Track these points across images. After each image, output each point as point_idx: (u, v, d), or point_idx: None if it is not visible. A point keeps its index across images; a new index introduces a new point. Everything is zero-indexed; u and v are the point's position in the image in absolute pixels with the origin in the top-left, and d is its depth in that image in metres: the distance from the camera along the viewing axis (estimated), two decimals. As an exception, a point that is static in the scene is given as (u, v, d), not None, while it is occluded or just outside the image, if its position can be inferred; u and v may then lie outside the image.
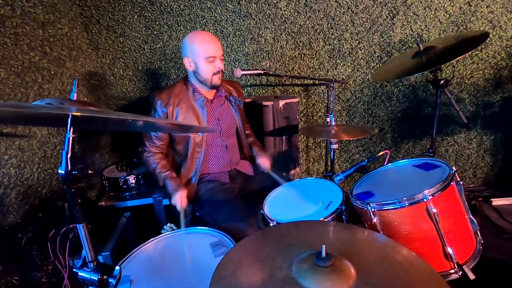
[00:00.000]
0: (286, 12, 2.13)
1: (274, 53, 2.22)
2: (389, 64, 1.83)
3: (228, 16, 2.13)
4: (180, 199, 1.45)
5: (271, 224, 1.20)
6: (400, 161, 1.40)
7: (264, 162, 1.67)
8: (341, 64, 2.26)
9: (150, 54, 2.19)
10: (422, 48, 1.53)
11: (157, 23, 2.12)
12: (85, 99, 2.02)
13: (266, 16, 2.13)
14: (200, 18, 2.13)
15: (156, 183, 1.61)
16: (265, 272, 0.70)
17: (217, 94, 1.65)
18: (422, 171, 1.27)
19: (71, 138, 0.66)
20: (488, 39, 2.12)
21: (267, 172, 1.66)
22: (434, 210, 1.05)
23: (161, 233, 1.21)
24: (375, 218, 1.13)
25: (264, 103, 1.94)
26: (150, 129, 1.45)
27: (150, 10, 2.09)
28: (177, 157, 1.66)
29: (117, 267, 0.71)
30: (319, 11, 2.13)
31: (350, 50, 2.22)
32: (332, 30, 2.18)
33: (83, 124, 0.92)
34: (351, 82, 2.29)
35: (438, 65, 1.36)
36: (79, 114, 0.60)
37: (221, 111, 1.65)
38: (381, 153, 1.49)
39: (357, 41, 2.20)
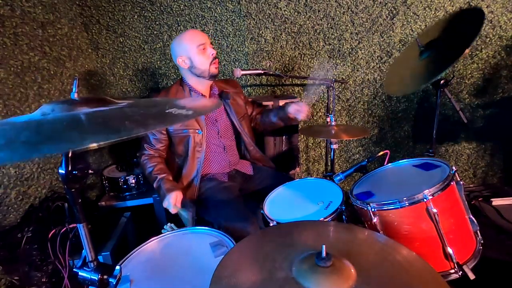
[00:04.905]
0: (286, 12, 2.13)
1: (274, 53, 2.22)
2: (397, 68, 1.69)
3: (228, 16, 2.13)
4: (174, 199, 1.43)
5: (271, 224, 1.20)
6: (400, 161, 1.40)
7: (296, 107, 1.59)
8: (341, 64, 2.26)
9: (150, 54, 2.19)
10: (423, 47, 1.50)
11: (157, 23, 2.12)
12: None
13: (266, 16, 2.13)
14: (200, 18, 2.13)
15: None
16: (265, 272, 0.70)
17: (212, 92, 1.64)
18: (422, 171, 1.27)
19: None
20: (488, 39, 2.12)
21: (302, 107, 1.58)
22: (434, 210, 1.05)
23: (161, 233, 1.21)
24: (375, 218, 1.13)
25: (264, 103, 1.94)
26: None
27: (150, 10, 2.09)
28: (177, 159, 1.65)
29: (118, 267, 0.71)
30: (319, 11, 2.13)
31: (350, 50, 2.22)
32: (332, 30, 2.18)
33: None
34: (351, 82, 2.29)
35: (451, 62, 1.27)
36: (96, 145, 0.46)
37: (218, 112, 1.65)
38: (381, 153, 1.48)
39: (357, 41, 2.20)
